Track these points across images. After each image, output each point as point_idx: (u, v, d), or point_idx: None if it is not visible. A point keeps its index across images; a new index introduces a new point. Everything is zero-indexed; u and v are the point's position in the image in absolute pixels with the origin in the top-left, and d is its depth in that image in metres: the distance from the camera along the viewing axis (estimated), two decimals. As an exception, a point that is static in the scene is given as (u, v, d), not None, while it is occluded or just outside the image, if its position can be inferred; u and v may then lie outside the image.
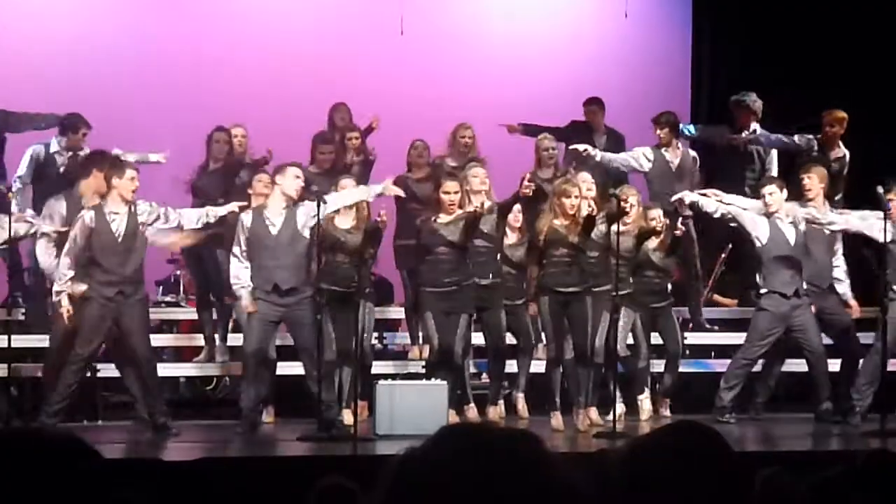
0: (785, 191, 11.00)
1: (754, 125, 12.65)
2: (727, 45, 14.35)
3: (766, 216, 11.00)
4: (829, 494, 4.61)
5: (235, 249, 10.28)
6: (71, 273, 9.93)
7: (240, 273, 10.27)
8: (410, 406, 9.93)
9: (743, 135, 12.53)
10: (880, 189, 11.02)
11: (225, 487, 8.00)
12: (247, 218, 10.27)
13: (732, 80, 13.81)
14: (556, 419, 10.59)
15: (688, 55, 14.56)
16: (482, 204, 10.58)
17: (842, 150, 12.36)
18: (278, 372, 10.79)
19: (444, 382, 10.27)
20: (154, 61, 13.45)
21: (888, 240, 10.81)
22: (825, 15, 13.66)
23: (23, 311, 11.78)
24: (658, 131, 12.09)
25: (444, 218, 10.64)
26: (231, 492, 7.97)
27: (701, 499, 2.36)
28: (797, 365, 11.34)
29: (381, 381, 10.31)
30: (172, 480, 7.93)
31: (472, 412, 10.88)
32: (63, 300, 9.92)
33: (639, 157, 12.10)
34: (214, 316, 11.77)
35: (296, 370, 10.73)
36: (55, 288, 10.01)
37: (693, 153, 12.32)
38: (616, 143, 12.61)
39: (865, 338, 11.22)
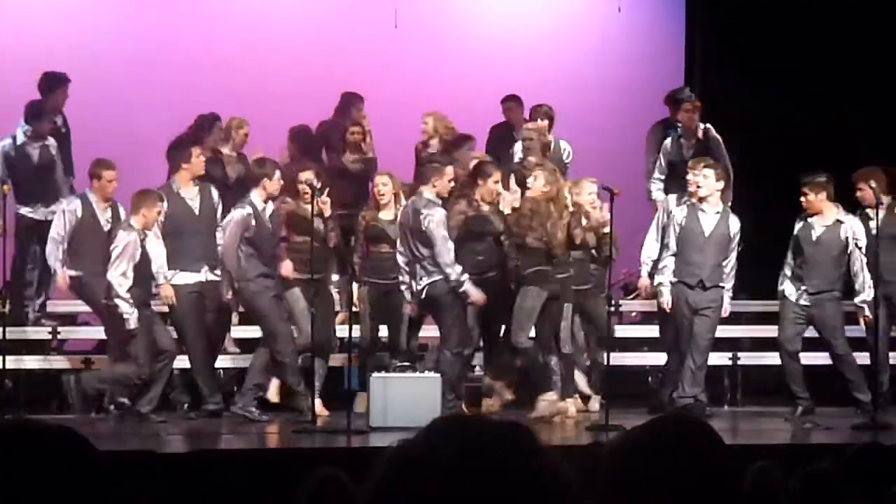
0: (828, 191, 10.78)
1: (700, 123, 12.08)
2: (721, 40, 14.32)
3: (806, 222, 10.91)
4: (818, 488, 4.63)
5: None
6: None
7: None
8: (404, 398, 9.94)
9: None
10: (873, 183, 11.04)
11: (219, 480, 8.01)
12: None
13: (726, 75, 13.80)
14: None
15: (681, 49, 14.55)
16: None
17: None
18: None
19: (437, 375, 10.27)
20: (146, 58, 13.37)
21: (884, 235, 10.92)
22: (819, 9, 13.64)
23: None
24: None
25: (486, 206, 10.68)
26: (224, 484, 7.98)
27: (691, 492, 2.37)
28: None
29: (375, 374, 10.31)
30: (166, 473, 7.94)
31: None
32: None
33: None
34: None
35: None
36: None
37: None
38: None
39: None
